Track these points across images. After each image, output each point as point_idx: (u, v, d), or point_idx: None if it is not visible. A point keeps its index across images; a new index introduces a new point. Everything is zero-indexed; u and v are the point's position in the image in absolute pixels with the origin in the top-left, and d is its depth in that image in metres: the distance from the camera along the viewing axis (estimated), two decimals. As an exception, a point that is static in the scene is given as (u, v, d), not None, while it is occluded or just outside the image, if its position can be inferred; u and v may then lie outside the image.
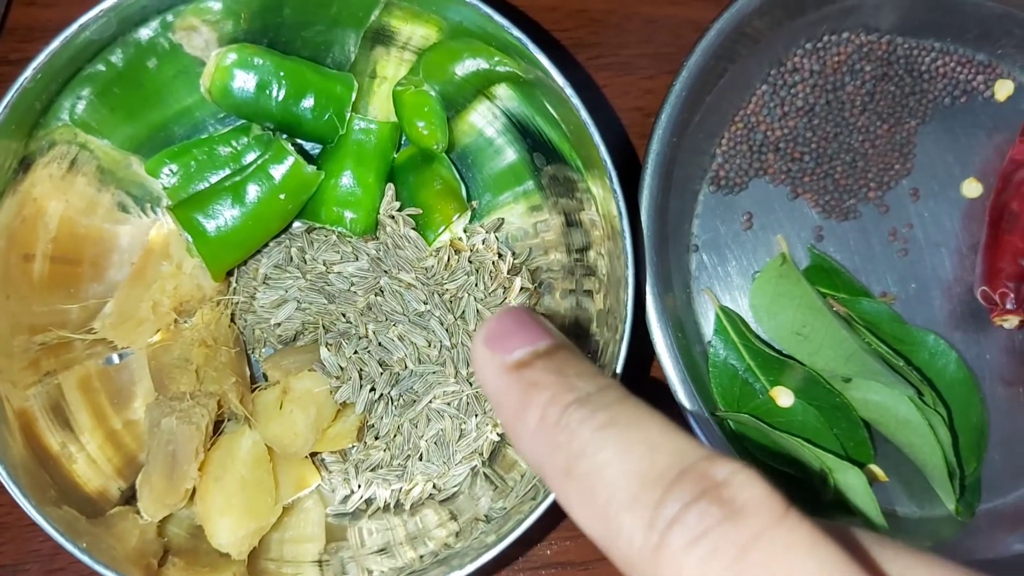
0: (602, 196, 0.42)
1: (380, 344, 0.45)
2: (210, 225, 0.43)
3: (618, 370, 0.40)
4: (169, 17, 0.43)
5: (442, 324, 0.45)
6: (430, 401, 0.45)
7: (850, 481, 0.45)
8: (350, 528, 0.46)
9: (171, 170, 0.46)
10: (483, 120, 0.48)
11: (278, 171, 0.44)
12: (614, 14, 0.52)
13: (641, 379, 0.51)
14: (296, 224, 0.47)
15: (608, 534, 0.21)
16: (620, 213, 0.40)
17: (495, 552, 0.39)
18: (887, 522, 0.49)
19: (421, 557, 0.43)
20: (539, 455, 0.23)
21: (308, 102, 0.45)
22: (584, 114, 0.40)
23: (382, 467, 0.45)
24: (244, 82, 0.44)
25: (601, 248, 0.44)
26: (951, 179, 0.52)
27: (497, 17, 0.40)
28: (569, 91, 0.40)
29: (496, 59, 0.44)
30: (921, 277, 0.52)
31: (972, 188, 0.52)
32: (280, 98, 0.45)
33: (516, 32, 0.41)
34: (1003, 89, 0.53)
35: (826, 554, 0.19)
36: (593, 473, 0.21)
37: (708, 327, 0.50)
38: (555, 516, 0.48)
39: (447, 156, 0.48)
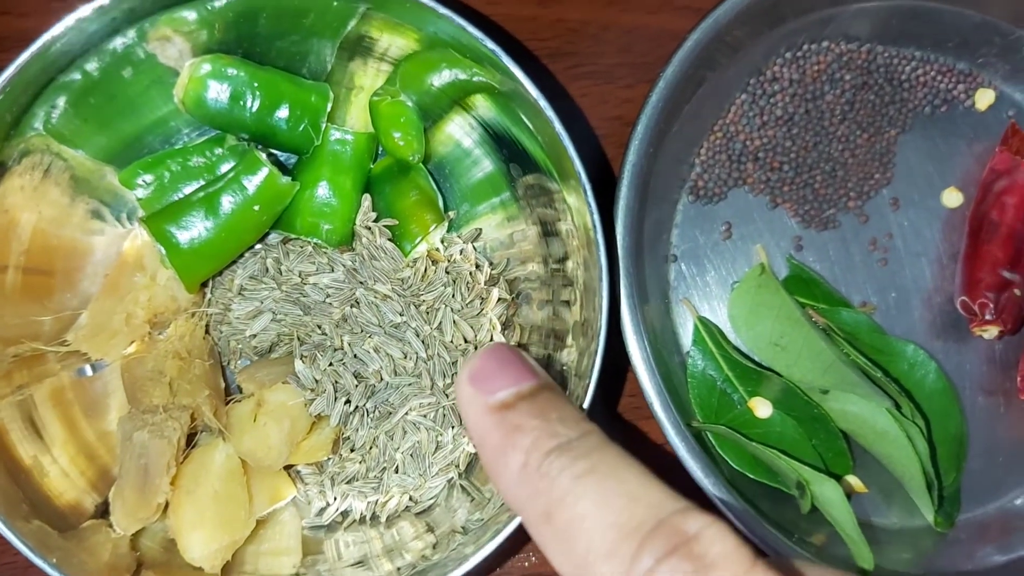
0: (577, 207, 0.41)
1: (355, 356, 0.44)
2: (183, 237, 0.43)
3: (592, 381, 0.39)
4: (144, 27, 0.43)
5: (418, 335, 0.45)
6: (406, 413, 0.44)
7: (827, 493, 0.45)
8: (326, 541, 0.46)
9: (145, 181, 0.46)
10: (460, 131, 0.48)
11: (252, 182, 0.44)
12: (592, 24, 0.52)
13: (618, 390, 0.51)
14: (272, 235, 0.47)
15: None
16: (594, 225, 0.40)
17: (473, 563, 0.39)
18: (866, 533, 0.49)
19: (399, 569, 0.43)
20: (520, 499, 0.23)
21: (283, 112, 0.45)
22: (558, 125, 0.40)
23: (358, 479, 0.45)
24: (218, 93, 0.44)
25: (577, 259, 0.43)
26: (931, 189, 0.52)
27: (471, 28, 0.40)
28: (543, 103, 0.40)
29: (472, 70, 0.44)
30: (901, 287, 0.51)
31: (952, 198, 0.52)
32: (254, 108, 0.44)
33: (490, 44, 0.40)
34: (984, 98, 0.52)
35: None
36: (573, 522, 0.22)
37: (687, 337, 0.50)
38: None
39: (424, 166, 0.48)
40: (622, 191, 0.45)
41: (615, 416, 0.51)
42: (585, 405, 0.40)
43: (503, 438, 0.24)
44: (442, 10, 0.40)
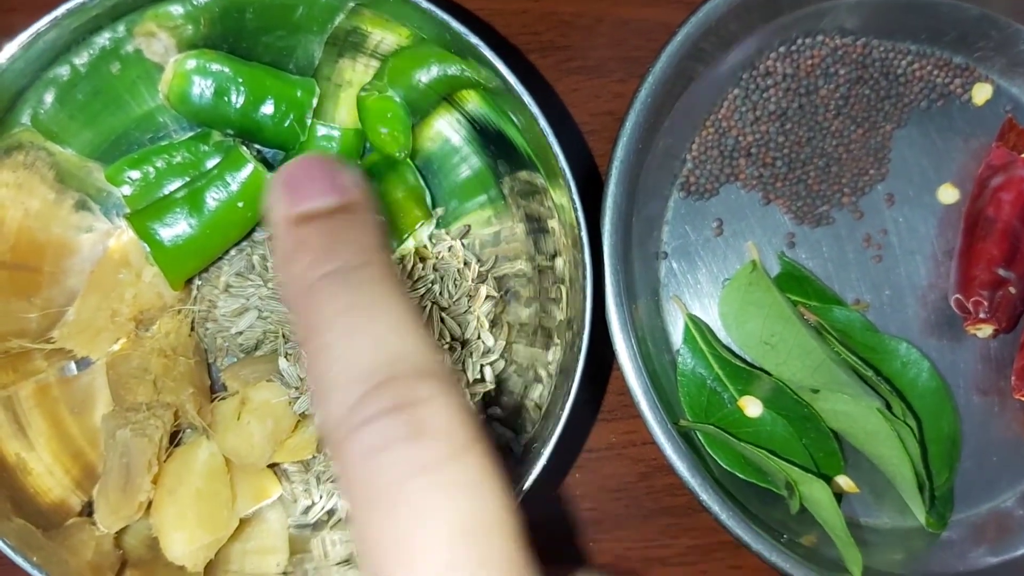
0: (563, 204, 0.41)
1: (340, 354, 0.44)
2: (166, 234, 0.43)
3: (576, 378, 0.39)
4: (130, 22, 0.43)
5: (404, 333, 0.44)
6: (391, 411, 0.44)
7: (815, 494, 0.44)
8: (313, 539, 0.46)
9: (131, 177, 0.45)
10: (448, 127, 0.47)
11: (237, 178, 0.43)
12: (585, 16, 0.51)
13: (605, 386, 0.50)
14: (258, 232, 0.47)
15: (318, 400, 0.22)
16: (579, 222, 0.40)
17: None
18: (857, 534, 0.49)
19: None
20: (294, 312, 0.23)
21: (268, 108, 0.44)
22: (542, 121, 0.40)
23: (343, 478, 0.45)
24: (202, 88, 0.43)
25: (565, 256, 0.43)
26: (927, 184, 0.51)
27: (454, 23, 0.40)
28: (527, 98, 0.40)
29: (459, 66, 0.43)
30: (895, 284, 0.51)
31: (948, 194, 0.51)
32: (239, 104, 0.44)
33: (472, 38, 0.40)
34: (981, 93, 0.52)
35: (480, 500, 0.20)
36: (320, 351, 0.22)
37: (677, 335, 0.49)
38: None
39: (412, 162, 0.48)
40: (610, 188, 0.45)
41: (602, 413, 0.50)
42: (569, 402, 0.39)
43: (289, 251, 0.23)
44: (424, 4, 0.40)
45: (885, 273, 0.51)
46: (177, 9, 0.43)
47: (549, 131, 0.40)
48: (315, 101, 0.45)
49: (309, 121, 0.45)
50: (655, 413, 0.44)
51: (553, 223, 0.44)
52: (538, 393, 0.44)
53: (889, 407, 0.46)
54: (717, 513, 0.43)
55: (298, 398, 0.43)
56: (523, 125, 0.41)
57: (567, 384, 0.40)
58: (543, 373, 0.45)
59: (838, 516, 0.44)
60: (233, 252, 0.46)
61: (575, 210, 0.40)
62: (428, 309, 0.45)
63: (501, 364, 0.47)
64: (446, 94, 0.46)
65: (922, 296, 0.51)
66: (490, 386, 0.46)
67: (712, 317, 0.50)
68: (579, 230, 0.40)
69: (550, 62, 0.51)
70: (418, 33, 0.43)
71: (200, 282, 0.47)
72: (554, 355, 0.43)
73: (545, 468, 0.47)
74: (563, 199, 0.41)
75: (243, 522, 0.45)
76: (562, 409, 0.39)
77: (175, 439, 0.44)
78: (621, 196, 0.45)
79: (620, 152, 0.45)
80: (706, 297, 0.50)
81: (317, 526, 0.46)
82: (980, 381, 0.51)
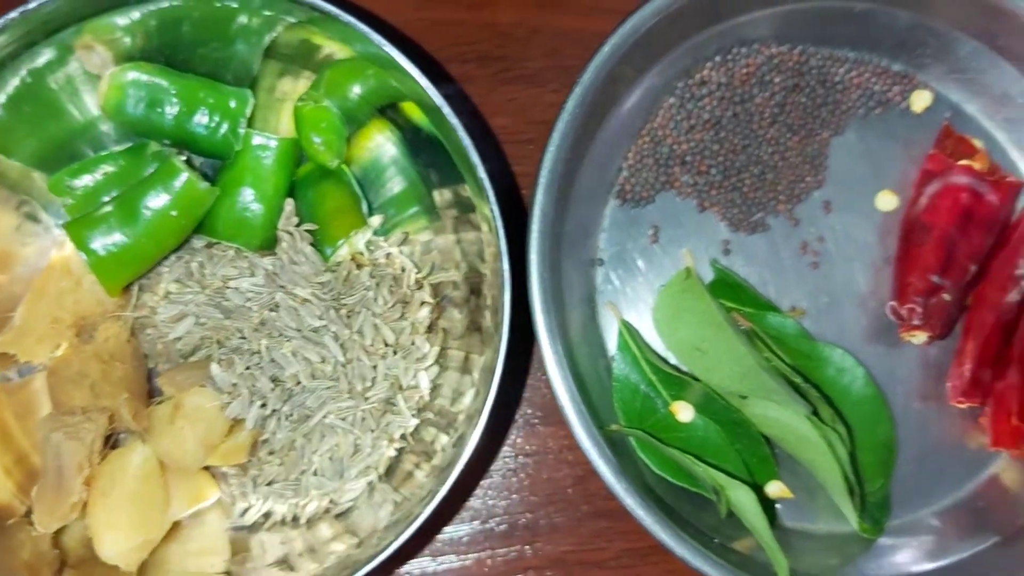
0: (486, 213, 0.42)
1: (273, 360, 0.45)
2: (102, 243, 0.44)
3: (493, 389, 0.40)
4: (69, 36, 0.44)
5: (337, 339, 0.45)
6: (324, 417, 0.45)
7: (740, 498, 0.45)
8: (251, 540, 0.47)
9: (72, 187, 0.47)
10: (383, 137, 0.48)
11: (171, 188, 0.44)
12: (522, 27, 0.52)
13: (537, 395, 0.51)
14: (197, 239, 0.48)
15: None
16: (498, 231, 0.40)
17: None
18: (793, 539, 0.49)
19: (324, 567, 0.43)
20: None
21: (202, 118, 0.45)
22: (461, 132, 0.41)
23: (277, 481, 0.46)
24: (136, 100, 0.45)
25: (493, 264, 0.44)
26: (865, 191, 0.52)
27: (374, 36, 0.41)
28: (446, 109, 0.41)
29: (390, 80, 0.44)
30: (833, 291, 0.51)
31: (887, 201, 0.51)
32: (173, 115, 0.45)
33: (392, 51, 0.41)
34: (920, 100, 0.52)
35: None
36: None
37: (613, 341, 0.50)
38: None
39: (349, 171, 0.49)
40: (537, 196, 0.45)
41: (540, 417, 0.51)
42: (487, 407, 0.40)
43: None
44: (346, 18, 0.41)
45: (822, 280, 0.51)
46: (114, 23, 0.44)
47: (468, 140, 0.41)
48: (248, 111, 0.46)
49: (243, 131, 0.46)
50: (581, 418, 0.44)
51: (482, 232, 0.45)
52: (469, 397, 0.45)
53: (817, 413, 0.46)
54: (641, 517, 0.44)
55: (229, 403, 0.44)
56: (444, 135, 0.42)
57: (485, 388, 0.40)
58: (475, 378, 0.45)
59: (763, 521, 0.44)
60: (172, 259, 0.47)
61: (494, 218, 0.40)
62: (362, 316, 0.46)
63: (436, 370, 0.48)
64: (381, 106, 0.47)
65: (860, 303, 0.51)
66: (424, 392, 0.47)
67: (647, 323, 0.50)
68: (498, 239, 0.40)
69: (487, 72, 0.52)
70: (352, 47, 0.44)
71: (140, 289, 0.48)
72: (485, 361, 0.44)
73: (477, 471, 0.47)
74: (484, 207, 0.41)
75: (183, 524, 0.46)
76: (480, 414, 0.40)
77: (112, 442, 0.45)
78: (550, 204, 0.45)
79: (548, 161, 0.45)
80: (642, 303, 0.51)
81: (254, 528, 0.47)
82: (918, 388, 0.51)
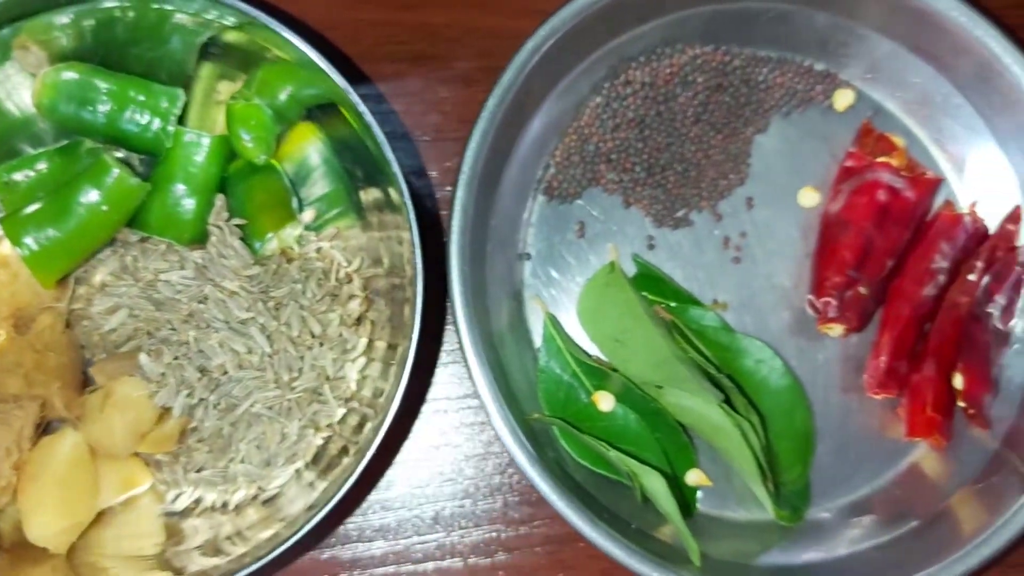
0: (404, 208, 0.43)
1: (200, 351, 0.46)
2: (35, 237, 0.45)
3: (404, 381, 0.41)
4: (6, 35, 0.45)
5: (263, 331, 0.47)
6: (251, 406, 0.46)
7: (652, 484, 0.46)
8: (184, 525, 0.48)
9: (10, 183, 0.48)
10: (314, 136, 0.50)
11: (102, 184, 0.46)
12: (454, 27, 0.53)
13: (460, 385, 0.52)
14: (132, 234, 0.49)
15: None
16: (410, 224, 0.42)
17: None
18: (714, 526, 0.51)
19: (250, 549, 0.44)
20: None
21: (133, 116, 0.47)
22: (376, 130, 0.42)
23: (207, 468, 0.47)
24: (68, 99, 0.46)
25: (412, 258, 0.45)
26: (788, 188, 0.53)
27: (291, 36, 0.42)
28: (362, 107, 0.42)
29: (316, 81, 0.45)
30: (755, 286, 0.52)
31: (809, 197, 0.53)
32: (105, 113, 0.47)
33: (302, 45, 0.42)
34: (842, 99, 0.53)
35: None
36: None
37: (540, 333, 0.51)
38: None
39: (281, 168, 0.50)
40: (458, 193, 0.47)
41: (476, 408, 0.52)
42: (398, 396, 0.41)
43: None
44: (264, 19, 0.42)
45: (744, 275, 0.52)
46: (50, 23, 0.46)
47: (383, 137, 0.42)
48: (179, 109, 0.47)
49: (173, 129, 0.47)
50: (499, 406, 0.46)
51: (401, 229, 0.46)
52: (392, 387, 0.46)
53: (731, 402, 0.47)
54: (554, 501, 0.45)
55: (157, 392, 0.46)
56: (362, 132, 0.44)
57: (397, 378, 0.42)
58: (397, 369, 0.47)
59: (674, 506, 0.46)
60: (108, 252, 0.49)
61: (407, 212, 0.42)
62: (289, 308, 0.47)
63: (363, 361, 0.49)
64: (311, 106, 0.48)
65: (782, 297, 0.52)
66: (351, 382, 0.48)
67: (573, 316, 0.52)
68: (412, 232, 0.42)
69: (421, 72, 0.53)
70: (278, 49, 0.46)
71: (76, 282, 0.49)
72: (401, 351, 0.45)
73: (406, 460, 0.49)
74: (402, 203, 0.43)
75: (117, 509, 0.48)
76: (391, 402, 0.41)
77: (45, 430, 0.46)
78: (471, 200, 0.47)
79: (468, 159, 0.47)
80: (568, 297, 0.52)
81: (186, 513, 0.48)
82: (839, 380, 0.52)
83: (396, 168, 0.42)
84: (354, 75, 0.53)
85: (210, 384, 0.46)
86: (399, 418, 0.42)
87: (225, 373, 0.46)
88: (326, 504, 0.40)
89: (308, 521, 0.40)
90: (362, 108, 0.42)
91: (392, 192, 0.46)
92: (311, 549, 0.50)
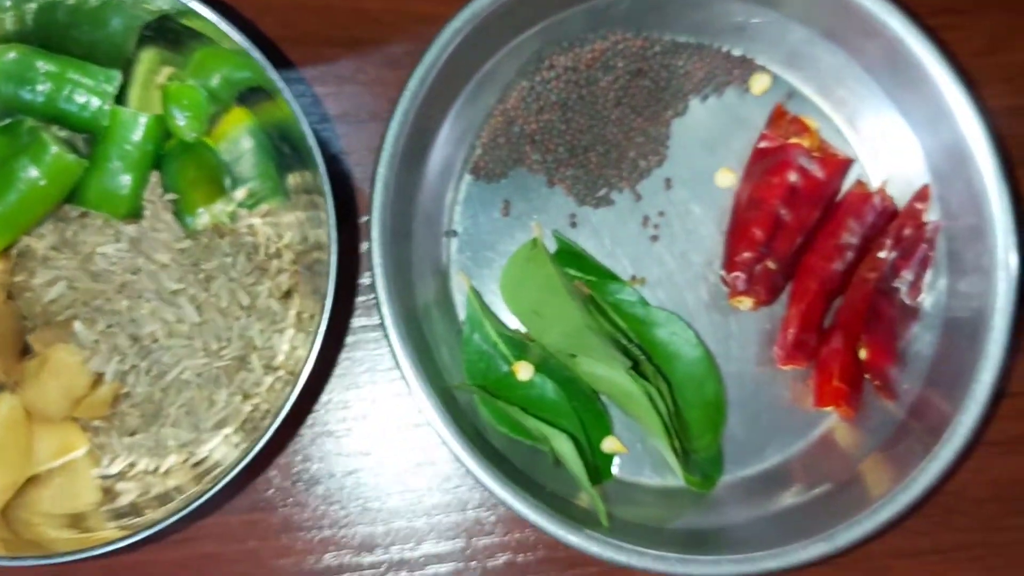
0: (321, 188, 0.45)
1: (133, 319, 0.49)
2: (-26, 210, 0.48)
3: (314, 351, 0.43)
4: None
5: (193, 302, 0.49)
6: (180, 373, 0.49)
7: (561, 447, 0.48)
8: (119, 487, 0.50)
9: (-45, 160, 0.50)
10: (247, 118, 0.52)
11: (41, 161, 0.48)
12: (390, 12, 0.55)
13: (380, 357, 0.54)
14: (73, 209, 0.51)
15: None
16: (327, 204, 0.44)
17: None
18: (631, 492, 0.53)
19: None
20: None
21: (72, 96, 0.49)
22: (296, 108, 0.44)
23: (139, 432, 0.49)
24: (8, 79, 0.48)
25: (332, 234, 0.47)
26: (706, 169, 0.55)
27: (219, 22, 0.44)
28: (281, 84, 0.44)
29: (243, 65, 0.48)
30: (672, 262, 0.54)
31: (725, 178, 0.55)
32: (44, 93, 0.49)
33: (236, 35, 0.44)
34: (759, 83, 0.55)
35: None
36: None
37: (464, 307, 0.54)
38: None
39: (217, 148, 0.52)
40: (380, 170, 0.49)
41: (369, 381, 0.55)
42: (310, 362, 0.44)
43: None
44: (192, 4, 0.44)
45: (662, 252, 0.55)
46: (-12, 7, 0.48)
47: (303, 116, 0.44)
48: (115, 89, 0.50)
49: (108, 108, 0.49)
50: (421, 378, 0.48)
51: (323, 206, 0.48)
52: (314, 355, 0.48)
53: (640, 369, 0.50)
54: (468, 463, 0.47)
55: (90, 358, 0.48)
56: (284, 115, 0.46)
57: (308, 349, 0.44)
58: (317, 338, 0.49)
59: (581, 468, 0.48)
60: (50, 227, 0.51)
61: (324, 191, 0.44)
62: (219, 280, 0.49)
63: (292, 332, 0.51)
64: (243, 87, 0.51)
65: (698, 273, 0.55)
66: (278, 352, 0.51)
67: (498, 290, 0.54)
68: (328, 211, 0.44)
69: (355, 56, 0.55)
70: (211, 33, 0.48)
71: (19, 255, 0.51)
72: (317, 321, 0.48)
73: (292, 429, 0.51)
74: (321, 182, 0.45)
75: (54, 472, 0.50)
76: (300, 374, 0.43)
77: (-14, 395, 0.49)
78: (393, 178, 0.49)
79: (390, 137, 0.49)
80: (492, 272, 0.54)
81: (120, 476, 0.50)
82: (754, 353, 0.54)
83: (314, 146, 0.44)
84: (287, 59, 0.55)
85: (141, 351, 0.48)
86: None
87: (156, 341, 0.49)
88: (232, 469, 0.43)
89: (213, 486, 0.42)
90: (283, 88, 0.44)
91: (311, 169, 0.48)
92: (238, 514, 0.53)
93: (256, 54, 0.44)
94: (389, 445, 0.54)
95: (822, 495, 0.52)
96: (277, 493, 0.53)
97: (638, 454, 0.53)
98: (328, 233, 0.44)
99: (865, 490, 0.51)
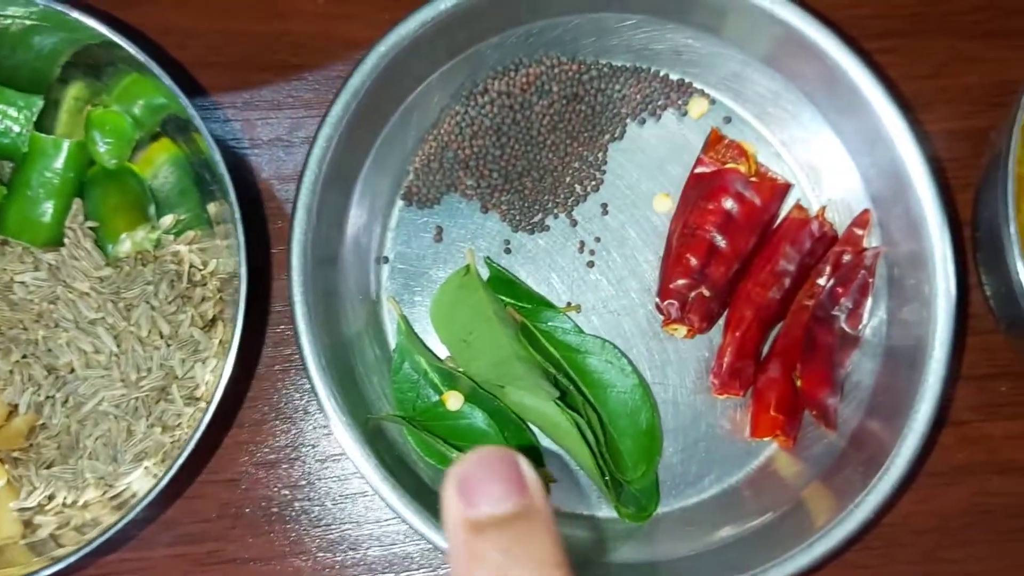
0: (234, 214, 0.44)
1: (49, 349, 0.48)
2: None
3: (224, 379, 0.42)
4: None
5: (111, 331, 0.48)
6: (97, 404, 0.48)
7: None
8: (36, 518, 0.49)
9: None
10: (171, 145, 0.51)
11: (-42, 186, 0.47)
12: (319, 37, 0.55)
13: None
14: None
15: None
16: (237, 231, 0.43)
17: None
18: (564, 522, 0.52)
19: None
20: None
21: (-11, 122, 0.48)
22: (206, 134, 0.43)
23: (56, 465, 0.48)
24: (-77, 105, 0.48)
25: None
26: (643, 195, 0.54)
27: (134, 51, 0.44)
28: (193, 112, 0.43)
29: (160, 92, 0.47)
30: (608, 289, 0.54)
31: (662, 203, 0.54)
32: (-40, 119, 0.48)
33: (148, 63, 0.44)
34: (697, 107, 0.55)
35: None
36: None
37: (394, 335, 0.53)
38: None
39: (143, 175, 0.52)
40: (301, 196, 0.48)
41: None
42: (220, 390, 0.43)
43: (465, 563, 0.24)
44: (102, 30, 0.44)
45: (599, 278, 0.54)
46: (-93, 33, 0.47)
47: (214, 146, 0.43)
48: (34, 115, 0.49)
49: (28, 134, 0.49)
50: (341, 410, 0.47)
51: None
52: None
53: (567, 400, 0.49)
54: (386, 497, 0.46)
55: (4, 389, 0.47)
56: (200, 145, 0.45)
57: (216, 376, 0.43)
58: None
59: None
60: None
61: (235, 219, 0.43)
62: (139, 309, 0.49)
63: (214, 361, 0.50)
64: (169, 116, 0.50)
65: (635, 299, 0.54)
66: (201, 381, 0.50)
67: (428, 318, 0.53)
68: (238, 237, 0.43)
69: (284, 81, 0.54)
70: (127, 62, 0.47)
71: (-62, 283, 0.50)
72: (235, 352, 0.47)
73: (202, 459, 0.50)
74: (235, 209, 0.44)
75: (-29, 506, 0.49)
76: (209, 403, 0.42)
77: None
78: (315, 204, 0.48)
79: (312, 162, 0.48)
80: (424, 299, 0.53)
81: (39, 509, 0.49)
82: (690, 381, 0.53)
83: (224, 172, 0.43)
84: (218, 84, 0.54)
85: (57, 382, 0.47)
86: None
87: (72, 371, 0.48)
88: (145, 499, 0.42)
89: (123, 517, 0.41)
90: (194, 114, 0.43)
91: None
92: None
93: (167, 80, 0.44)
94: (317, 476, 0.53)
95: (762, 526, 0.51)
96: (203, 526, 0.52)
97: (574, 485, 0.52)
98: (239, 259, 0.43)
99: (806, 521, 0.50)
